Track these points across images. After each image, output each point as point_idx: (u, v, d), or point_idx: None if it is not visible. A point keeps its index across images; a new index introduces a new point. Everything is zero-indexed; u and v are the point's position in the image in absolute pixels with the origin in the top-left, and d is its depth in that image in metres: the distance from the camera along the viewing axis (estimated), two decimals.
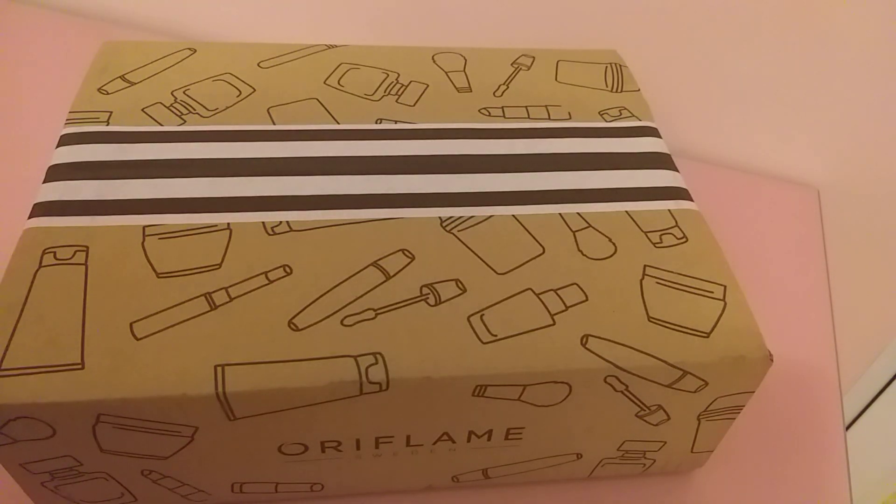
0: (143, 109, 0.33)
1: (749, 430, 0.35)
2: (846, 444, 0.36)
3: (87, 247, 0.27)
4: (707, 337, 0.26)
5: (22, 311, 0.25)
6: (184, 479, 0.27)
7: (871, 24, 0.42)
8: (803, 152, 0.50)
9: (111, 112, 0.33)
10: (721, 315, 0.27)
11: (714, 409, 0.28)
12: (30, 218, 0.28)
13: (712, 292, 0.28)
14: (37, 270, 0.26)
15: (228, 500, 0.29)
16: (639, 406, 0.27)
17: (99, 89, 0.34)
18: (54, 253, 0.27)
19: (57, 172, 0.30)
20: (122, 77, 0.35)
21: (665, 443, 0.30)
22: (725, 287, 0.28)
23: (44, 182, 0.30)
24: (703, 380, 0.26)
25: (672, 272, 0.28)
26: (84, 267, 0.26)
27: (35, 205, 0.29)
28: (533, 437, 0.28)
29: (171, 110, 0.33)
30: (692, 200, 0.32)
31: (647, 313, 0.27)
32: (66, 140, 0.31)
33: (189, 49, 0.37)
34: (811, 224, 0.47)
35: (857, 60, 0.44)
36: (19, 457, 0.25)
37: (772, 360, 0.27)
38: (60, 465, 0.26)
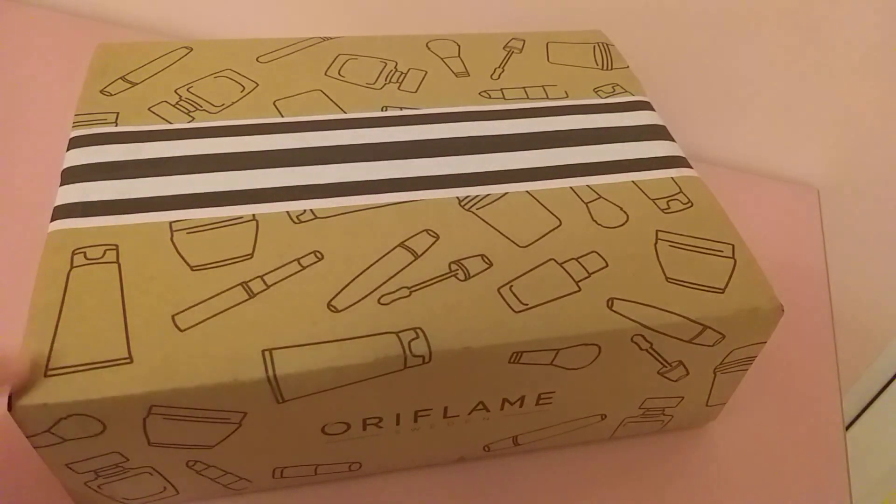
0: (149, 109, 0.33)
1: (750, 428, 0.35)
2: (846, 444, 0.35)
3: (117, 245, 0.27)
4: (722, 292, 0.28)
5: (61, 311, 0.25)
6: (227, 468, 0.28)
7: (871, 24, 0.43)
8: (803, 152, 0.50)
9: (118, 113, 0.33)
10: (732, 271, 0.29)
11: (729, 362, 0.30)
12: (52, 221, 0.28)
13: (722, 251, 0.30)
14: (69, 271, 0.26)
15: (269, 487, 0.30)
16: (661, 363, 0.29)
17: (101, 91, 0.34)
18: (84, 253, 0.27)
19: (72, 175, 0.30)
20: (123, 78, 0.35)
21: (682, 398, 0.31)
22: (733, 245, 0.30)
23: (60, 185, 0.30)
24: (720, 333, 0.28)
25: (682, 235, 0.30)
26: (117, 265, 0.27)
27: (56, 207, 0.29)
28: (562, 400, 0.29)
29: (177, 108, 0.33)
30: (692, 167, 0.34)
31: (665, 274, 0.28)
32: (76, 142, 0.31)
33: (185, 48, 0.37)
34: (811, 224, 0.47)
35: (857, 60, 0.44)
36: (66, 457, 0.25)
37: (783, 311, 0.28)
38: (106, 462, 0.26)
